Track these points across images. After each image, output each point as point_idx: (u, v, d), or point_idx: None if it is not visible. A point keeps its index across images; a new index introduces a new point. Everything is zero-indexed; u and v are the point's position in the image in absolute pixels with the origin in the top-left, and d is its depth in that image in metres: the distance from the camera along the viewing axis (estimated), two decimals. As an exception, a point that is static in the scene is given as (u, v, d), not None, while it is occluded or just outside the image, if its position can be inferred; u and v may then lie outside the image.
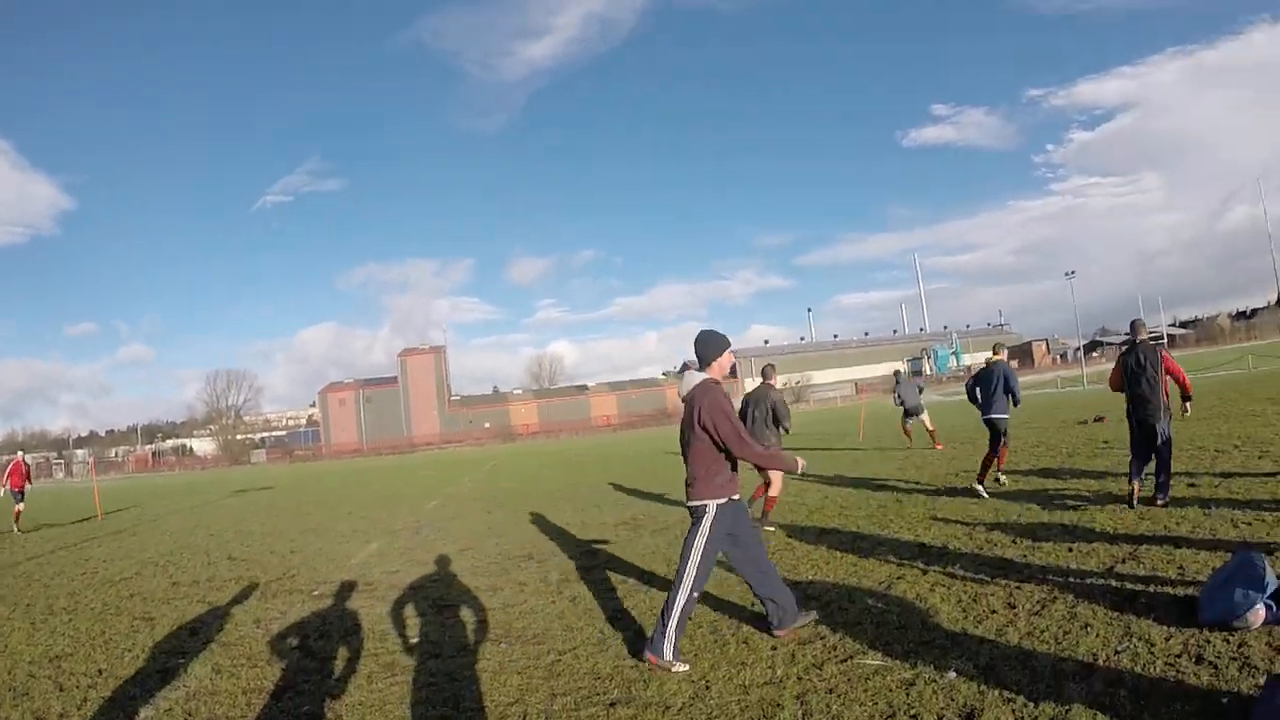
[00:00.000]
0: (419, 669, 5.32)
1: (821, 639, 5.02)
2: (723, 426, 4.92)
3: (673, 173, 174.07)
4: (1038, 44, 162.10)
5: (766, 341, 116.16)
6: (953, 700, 3.85)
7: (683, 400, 5.20)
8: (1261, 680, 3.54)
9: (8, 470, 18.95)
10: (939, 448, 16.42)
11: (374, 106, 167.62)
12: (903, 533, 8.02)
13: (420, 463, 45.75)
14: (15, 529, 17.84)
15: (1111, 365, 9.29)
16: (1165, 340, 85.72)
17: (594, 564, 8.29)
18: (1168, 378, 8.11)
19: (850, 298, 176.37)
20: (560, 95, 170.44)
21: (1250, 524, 6.65)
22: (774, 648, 4.95)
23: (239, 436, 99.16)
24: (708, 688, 4.41)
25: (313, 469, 54.68)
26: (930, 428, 17.18)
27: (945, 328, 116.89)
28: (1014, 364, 14.25)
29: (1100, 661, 4.09)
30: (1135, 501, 7.88)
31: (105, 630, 7.34)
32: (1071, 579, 5.65)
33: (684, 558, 5.05)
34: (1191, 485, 8.68)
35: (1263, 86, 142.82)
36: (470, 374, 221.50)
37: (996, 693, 3.85)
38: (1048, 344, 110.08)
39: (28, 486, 18.91)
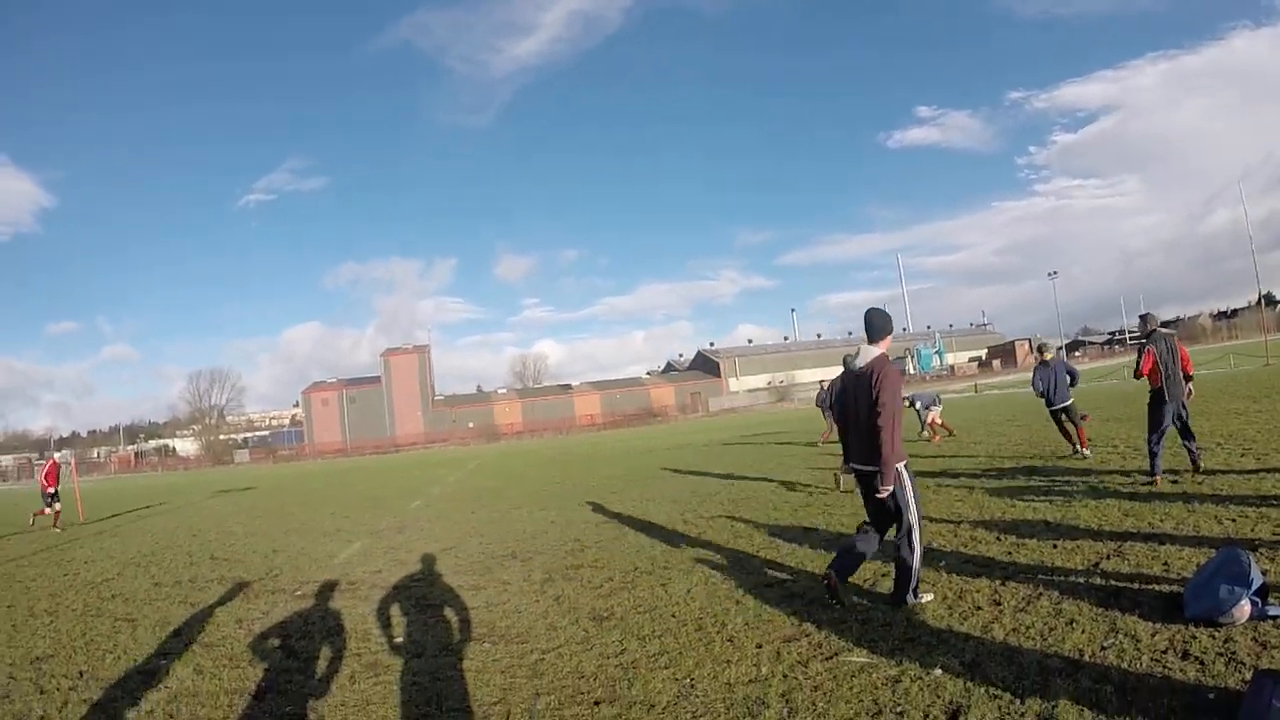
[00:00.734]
0: (402, 668, 5.29)
1: (807, 636, 5.00)
2: (888, 401, 5.29)
3: (657, 171, 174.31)
4: (1020, 47, 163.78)
5: (751, 340, 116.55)
6: (938, 697, 3.84)
7: (855, 372, 5.63)
8: (1248, 675, 3.54)
9: (45, 471, 18.82)
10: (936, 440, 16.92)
11: (357, 104, 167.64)
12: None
13: (404, 462, 45.57)
14: (55, 529, 17.80)
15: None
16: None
17: (578, 563, 8.25)
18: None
19: (834, 297, 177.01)
20: (545, 93, 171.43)
21: (1234, 520, 6.66)
22: (759, 645, 4.93)
23: (222, 437, 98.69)
24: (692, 686, 4.38)
25: (296, 469, 54.39)
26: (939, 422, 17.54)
27: (929, 327, 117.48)
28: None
29: (1086, 657, 4.09)
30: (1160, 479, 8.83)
31: (87, 631, 7.27)
32: (1056, 575, 5.66)
33: (902, 511, 5.42)
34: (1175, 482, 8.71)
35: (1243, 91, 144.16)
36: (455, 373, 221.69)
37: (982, 689, 3.84)
38: (1030, 343, 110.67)
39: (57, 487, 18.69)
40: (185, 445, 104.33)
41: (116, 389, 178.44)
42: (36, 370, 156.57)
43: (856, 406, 5.61)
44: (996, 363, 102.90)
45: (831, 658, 4.56)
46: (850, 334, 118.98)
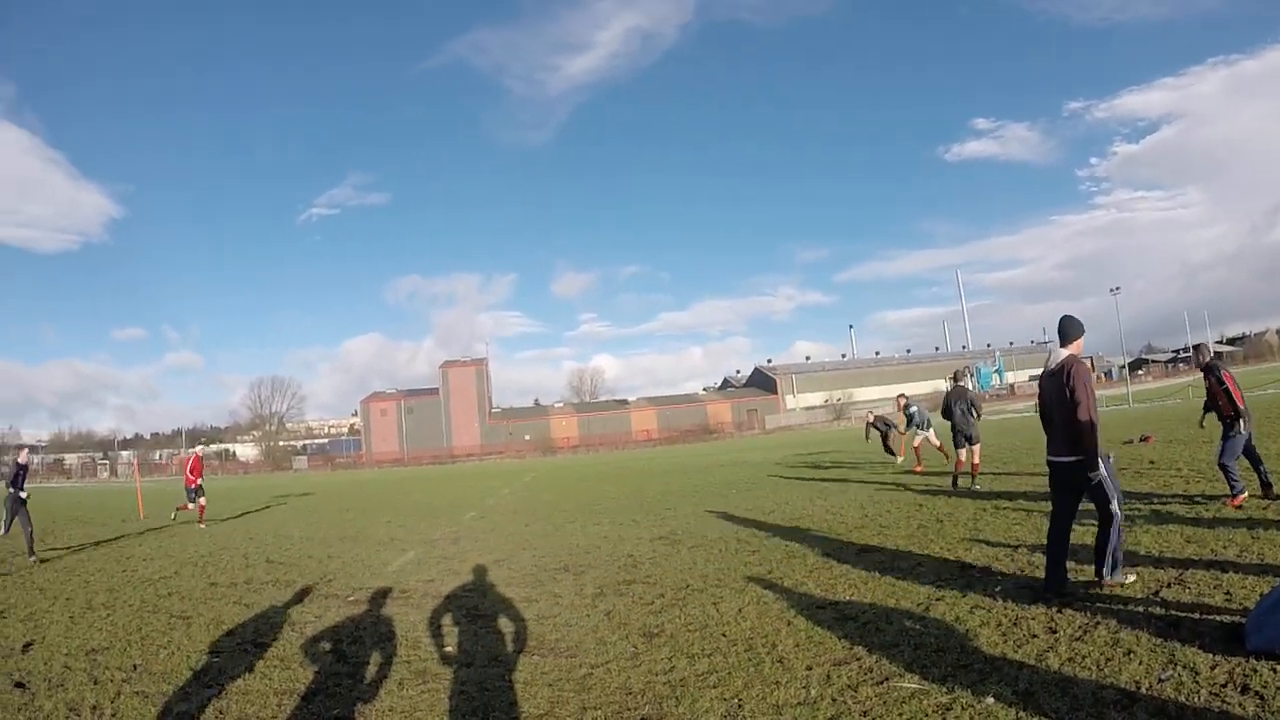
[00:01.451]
0: (451, 677, 5.34)
1: (858, 660, 4.95)
2: (1081, 394, 5.81)
3: (715, 188, 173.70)
4: (1079, 55, 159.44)
5: (808, 358, 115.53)
6: (990, 726, 3.77)
7: (1049, 372, 6.20)
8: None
9: (188, 465, 18.61)
10: (918, 469, 16.91)
11: (418, 121, 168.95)
12: (943, 553, 7.90)
13: (460, 474, 46.05)
14: (200, 526, 17.54)
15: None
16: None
17: (630, 578, 8.27)
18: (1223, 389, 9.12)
19: (892, 314, 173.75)
20: (602, 110, 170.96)
21: (1303, 551, 6.46)
22: (809, 667, 4.89)
23: (281, 443, 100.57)
24: (740, 706, 4.36)
25: (353, 477, 55.26)
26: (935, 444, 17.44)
27: (988, 345, 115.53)
28: None
29: (1143, 690, 3.99)
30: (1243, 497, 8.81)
31: (142, 626, 7.47)
32: (1115, 603, 5.52)
33: (1104, 493, 5.85)
34: (1240, 507, 8.47)
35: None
36: (512, 387, 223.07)
37: None
38: (1092, 361, 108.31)
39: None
40: (245, 450, 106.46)
41: (180, 394, 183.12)
42: (103, 373, 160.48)
43: (1051, 403, 6.16)
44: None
45: (882, 683, 4.51)
46: (909, 351, 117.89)
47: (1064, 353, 6.12)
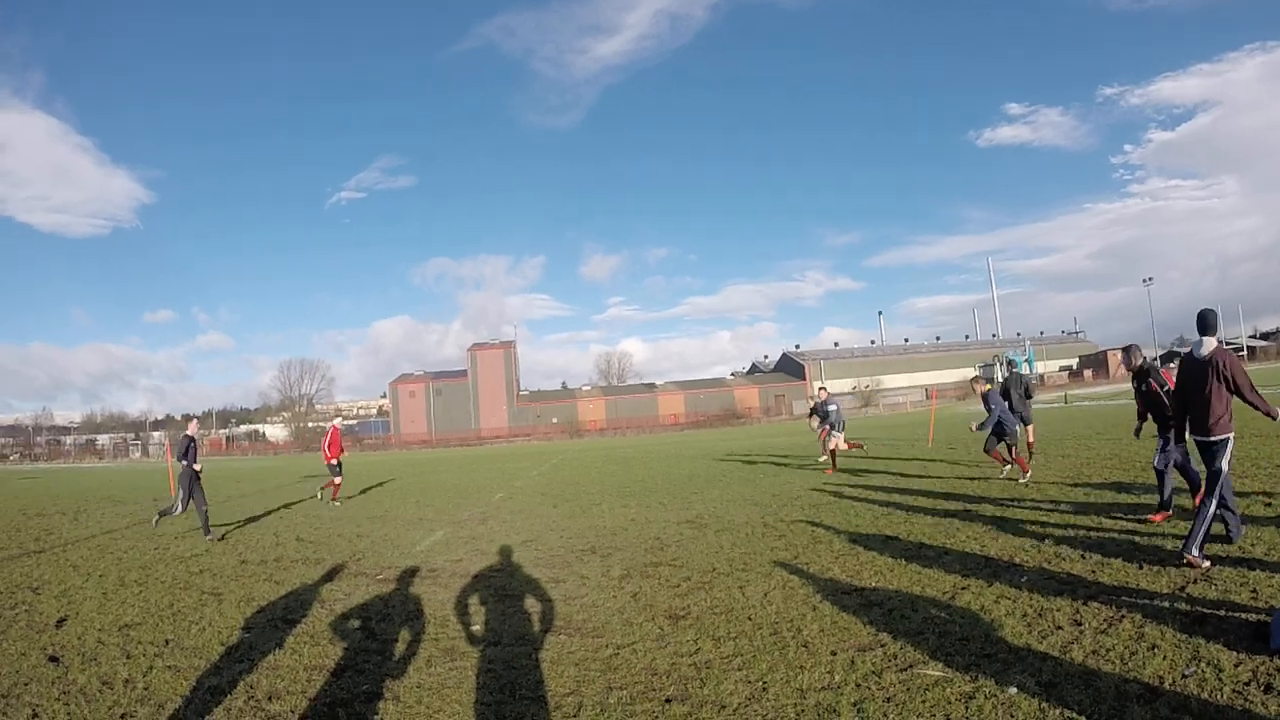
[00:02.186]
0: (478, 655, 5.44)
1: (882, 646, 4.99)
2: (1240, 379, 6.36)
3: (744, 171, 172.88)
4: (1114, 40, 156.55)
5: (837, 344, 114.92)
6: (1012, 716, 3.80)
7: (1199, 360, 6.60)
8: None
9: (327, 440, 17.56)
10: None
11: (446, 105, 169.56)
12: (968, 543, 7.89)
13: (487, 455, 46.30)
14: (334, 503, 17.22)
15: None
16: (1245, 352, 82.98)
17: (657, 561, 8.34)
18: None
19: (921, 301, 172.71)
20: (631, 93, 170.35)
21: (1334, 548, 6.40)
22: (834, 653, 4.94)
23: (311, 424, 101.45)
24: (764, 689, 4.42)
25: (381, 458, 55.69)
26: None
27: (1019, 334, 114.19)
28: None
29: (1166, 685, 4.00)
30: None
31: (174, 603, 7.65)
32: (1141, 598, 5.52)
33: (1213, 475, 6.41)
34: (1269, 505, 8.38)
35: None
36: (540, 369, 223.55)
37: (1058, 711, 3.79)
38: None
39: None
40: (275, 431, 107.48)
41: (210, 376, 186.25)
42: (134, 355, 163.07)
43: (1197, 389, 6.61)
44: (1088, 373, 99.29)
45: (906, 669, 4.55)
46: (938, 339, 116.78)
47: (1212, 343, 6.53)
